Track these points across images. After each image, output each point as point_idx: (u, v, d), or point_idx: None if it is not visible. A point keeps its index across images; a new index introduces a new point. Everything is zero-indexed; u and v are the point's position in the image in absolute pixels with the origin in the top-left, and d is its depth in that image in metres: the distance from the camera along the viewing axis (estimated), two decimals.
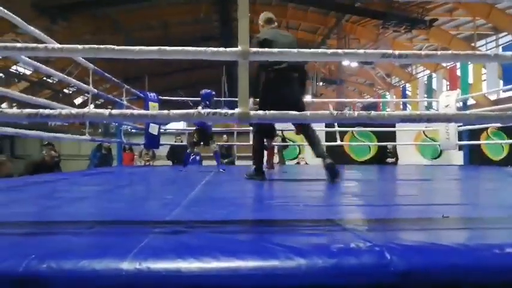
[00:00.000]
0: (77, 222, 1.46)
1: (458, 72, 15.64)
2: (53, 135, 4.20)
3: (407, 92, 20.78)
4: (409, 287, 0.93)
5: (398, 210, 1.83)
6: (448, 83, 16.93)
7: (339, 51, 1.64)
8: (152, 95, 6.38)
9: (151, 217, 1.57)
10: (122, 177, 4.19)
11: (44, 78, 21.69)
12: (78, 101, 25.63)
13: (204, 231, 1.27)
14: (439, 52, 1.60)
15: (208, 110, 1.60)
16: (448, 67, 17.44)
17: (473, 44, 16.53)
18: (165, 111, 1.56)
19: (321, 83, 22.71)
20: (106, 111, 1.58)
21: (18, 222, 1.47)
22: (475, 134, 6.96)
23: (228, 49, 1.66)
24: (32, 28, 3.21)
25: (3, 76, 19.99)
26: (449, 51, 1.66)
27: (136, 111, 1.56)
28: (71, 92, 25.19)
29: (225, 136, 8.38)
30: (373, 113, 1.59)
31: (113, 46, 1.57)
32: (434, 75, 18.61)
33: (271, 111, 1.63)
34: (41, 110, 1.59)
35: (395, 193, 2.77)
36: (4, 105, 19.26)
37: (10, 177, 4.67)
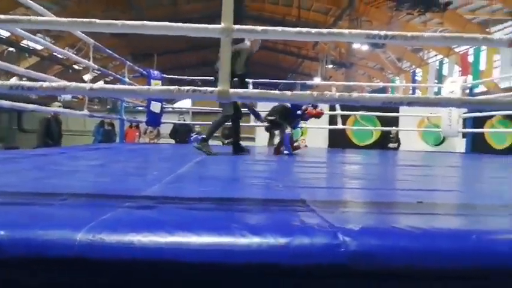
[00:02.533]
0: (53, 194, 1.49)
1: (471, 59, 15.30)
2: (53, 109, 4.23)
3: (417, 78, 20.43)
4: (360, 268, 0.93)
5: (377, 194, 1.82)
6: (459, 69, 16.59)
7: (323, 31, 1.61)
8: (155, 72, 6.37)
9: (128, 192, 1.59)
10: (119, 153, 4.23)
11: (55, 53, 21.73)
12: (87, 77, 25.70)
13: (171, 207, 1.29)
14: (425, 34, 1.56)
15: (189, 88, 1.60)
16: (460, 52, 17.06)
17: (488, 30, 16.10)
18: (145, 87, 1.56)
19: (330, 66, 22.41)
20: (87, 85, 1.59)
21: None
22: (479, 122, 6.85)
23: (210, 26, 1.64)
24: (32, 2, 3.21)
25: (15, 51, 20.05)
26: (438, 34, 1.62)
27: (117, 86, 1.56)
28: (80, 68, 25.25)
29: None
30: (354, 94, 1.57)
31: (93, 20, 1.56)
32: (445, 60, 18.23)
33: (252, 90, 1.61)
34: (22, 82, 1.61)
35: (384, 178, 2.76)
36: (14, 79, 19.41)
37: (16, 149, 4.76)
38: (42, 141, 5.64)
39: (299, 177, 2.40)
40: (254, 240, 0.96)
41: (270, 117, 4.32)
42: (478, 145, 6.67)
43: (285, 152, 4.16)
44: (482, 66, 14.47)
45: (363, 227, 1.01)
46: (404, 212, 1.34)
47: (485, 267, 0.91)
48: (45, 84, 1.62)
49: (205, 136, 4.02)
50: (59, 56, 22.51)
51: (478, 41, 1.67)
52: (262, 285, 0.93)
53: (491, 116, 6.89)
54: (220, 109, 4.73)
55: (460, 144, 6.95)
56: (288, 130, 4.24)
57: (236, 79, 3.52)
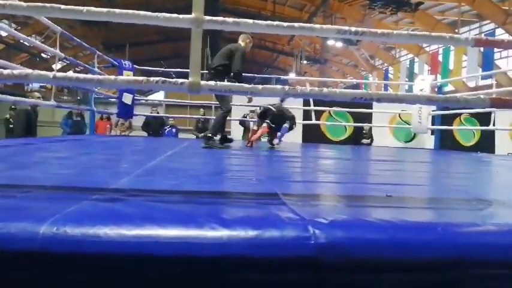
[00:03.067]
0: (15, 186, 1.43)
1: (441, 58, 15.76)
2: (18, 99, 4.06)
3: (389, 75, 20.88)
4: (329, 261, 0.94)
5: (348, 188, 1.84)
6: (429, 68, 17.06)
7: (295, 24, 1.60)
8: (127, 63, 6.23)
9: (96, 184, 1.54)
10: (88, 145, 4.12)
11: (21, 41, 20.89)
12: (55, 66, 24.84)
13: (140, 200, 1.26)
14: (394, 31, 1.59)
15: (158, 78, 1.56)
16: (430, 52, 17.53)
17: (457, 30, 16.60)
18: (112, 77, 1.51)
19: (305, 62, 22.57)
20: (50, 74, 1.52)
21: None
22: (448, 119, 7.07)
23: (181, 16, 1.60)
24: None
25: None
26: (406, 32, 1.64)
27: (82, 75, 1.51)
28: (49, 57, 24.38)
29: (202, 110, 8.29)
30: (325, 89, 1.57)
31: (56, 5, 1.49)
32: (416, 59, 18.70)
33: (223, 83, 1.60)
34: None
35: (356, 172, 2.80)
36: None
37: None
38: (21, 133, 5.45)
39: (272, 171, 2.40)
40: (224, 233, 0.94)
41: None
42: (446, 142, 6.89)
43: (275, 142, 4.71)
44: (451, 65, 14.92)
45: (332, 220, 1.02)
46: (373, 205, 1.36)
47: (451, 258, 0.94)
48: (5, 71, 1.55)
49: (210, 134, 4.20)
50: (26, 43, 21.69)
51: (445, 39, 1.71)
52: (232, 278, 0.91)
53: (459, 114, 7.13)
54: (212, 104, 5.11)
55: (429, 141, 7.15)
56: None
57: (232, 76, 4.02)
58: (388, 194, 1.51)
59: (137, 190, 1.43)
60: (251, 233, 0.95)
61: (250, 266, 0.91)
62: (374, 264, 0.94)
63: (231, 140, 4.70)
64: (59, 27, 4.04)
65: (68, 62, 3.79)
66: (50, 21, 3.85)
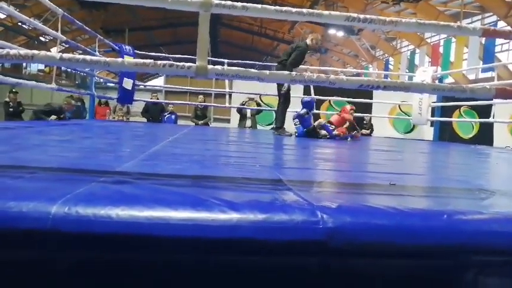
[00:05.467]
0: (21, 167, 1.43)
1: (442, 50, 15.71)
2: (17, 81, 4.04)
3: (390, 66, 20.82)
4: (337, 245, 0.95)
5: (351, 176, 1.86)
6: (430, 60, 17.01)
7: (303, 10, 1.60)
8: (128, 48, 6.19)
9: (103, 167, 1.55)
10: (89, 129, 4.11)
11: (19, 23, 20.66)
12: (54, 50, 24.64)
13: (147, 182, 1.27)
14: (403, 19, 1.58)
15: (165, 62, 1.56)
16: (431, 43, 17.46)
17: (459, 22, 16.51)
18: (119, 59, 1.51)
19: None
20: (57, 55, 1.52)
21: None
22: (447, 111, 7.08)
23: None
24: None
25: None
26: (414, 20, 1.64)
27: (88, 57, 1.50)
28: (47, 40, 24.15)
29: (201, 96, 8.26)
30: (332, 76, 1.58)
31: None
32: (417, 50, 18.63)
33: (230, 68, 1.60)
34: None
35: (358, 161, 2.82)
36: None
37: None
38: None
39: (276, 159, 2.41)
40: (233, 215, 0.95)
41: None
42: (445, 134, 6.91)
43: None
44: (452, 57, 14.88)
45: (340, 205, 1.03)
46: (378, 193, 1.38)
47: (456, 245, 0.96)
48: (12, 51, 1.54)
49: (279, 125, 5.13)
50: (24, 26, 21.44)
51: (453, 29, 1.71)
52: (242, 260, 0.93)
53: (459, 106, 7.13)
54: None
55: (428, 133, 7.17)
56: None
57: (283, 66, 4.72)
58: (391, 182, 1.53)
59: (144, 174, 1.44)
60: (260, 216, 0.96)
61: (260, 249, 0.93)
62: (381, 249, 0.96)
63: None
64: (60, 10, 4.00)
65: (68, 45, 3.76)
66: (52, 3, 3.81)
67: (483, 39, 12.98)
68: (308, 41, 5.04)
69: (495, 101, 4.76)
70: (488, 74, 14.38)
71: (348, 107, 5.41)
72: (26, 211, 0.91)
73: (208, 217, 0.95)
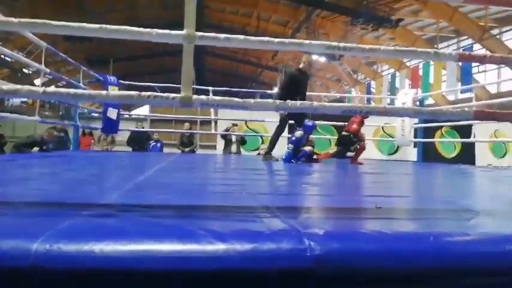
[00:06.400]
0: (1, 203, 1.40)
1: (421, 72, 16.16)
2: (2, 114, 3.99)
3: (371, 89, 21.27)
4: (325, 272, 0.95)
5: (338, 200, 1.86)
6: (410, 82, 17.46)
7: (285, 40, 1.65)
8: (112, 78, 6.21)
9: (86, 200, 1.52)
10: (73, 161, 4.05)
11: (2, 56, 20.60)
12: (38, 82, 24.54)
13: (132, 215, 1.25)
14: (381, 47, 1.64)
15: (150, 93, 1.57)
16: (411, 67, 17.96)
17: (436, 46, 17.10)
18: (103, 92, 1.51)
19: None
20: (40, 89, 1.51)
21: None
22: (430, 132, 7.23)
23: (173, 32, 1.63)
24: None
25: None
26: (392, 47, 1.69)
27: (73, 90, 1.50)
28: (30, 72, 24.07)
29: (187, 124, 8.27)
30: (315, 103, 1.61)
31: (48, 21, 1.50)
32: (398, 74, 19.13)
33: (214, 97, 1.61)
34: None
35: (344, 185, 2.83)
36: None
37: None
38: None
39: (261, 185, 2.41)
40: (220, 246, 0.94)
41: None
42: (429, 154, 7.03)
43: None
44: (431, 80, 15.31)
45: (327, 231, 1.03)
46: (365, 217, 1.38)
47: (443, 267, 0.96)
48: None
49: (267, 150, 5.27)
50: (7, 58, 21.37)
51: (430, 55, 1.76)
52: None
53: (440, 127, 7.29)
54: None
55: (412, 154, 7.28)
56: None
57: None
58: (378, 205, 1.53)
59: (129, 205, 1.42)
60: (247, 246, 0.95)
61: (248, 279, 0.92)
62: (369, 275, 0.96)
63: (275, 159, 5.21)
64: (43, 42, 4.01)
65: (51, 77, 3.76)
66: (34, 37, 3.82)
67: (460, 62, 13.43)
68: (301, 65, 5.12)
69: (475, 121, 4.89)
70: (467, 95, 14.82)
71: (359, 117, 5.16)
72: (6, 249, 0.89)
73: (196, 249, 0.93)
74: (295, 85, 4.98)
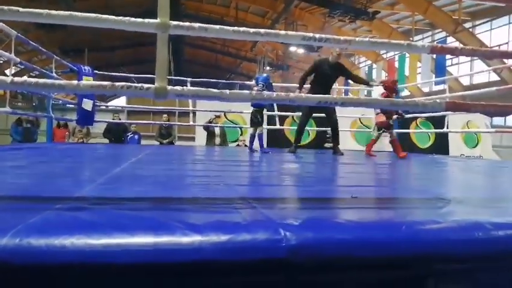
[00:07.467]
0: None
1: (397, 64, 16.43)
2: None
3: (349, 81, 21.50)
4: (300, 261, 0.96)
5: (314, 190, 1.88)
6: (386, 74, 17.73)
7: (261, 30, 1.63)
8: (87, 68, 6.05)
9: (59, 193, 1.49)
10: (47, 153, 3.95)
11: None
12: (9, 72, 23.66)
13: (106, 208, 1.22)
14: (356, 38, 1.65)
15: (123, 84, 1.53)
16: (387, 59, 18.22)
17: (411, 38, 17.38)
18: (74, 82, 1.47)
19: (268, 68, 22.81)
20: (8, 79, 1.46)
21: None
22: (405, 123, 7.38)
23: (146, 20, 1.59)
24: None
25: None
26: (367, 39, 1.71)
27: (42, 80, 1.45)
28: (1, 62, 23.20)
29: (165, 115, 8.16)
30: (291, 94, 1.61)
31: (16, 8, 1.44)
32: (374, 65, 19.39)
33: (190, 88, 1.59)
34: None
35: (321, 175, 2.86)
36: None
37: None
38: None
39: (239, 176, 2.40)
40: (196, 238, 0.94)
41: None
42: (404, 145, 7.16)
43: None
44: (407, 72, 15.58)
45: (302, 222, 1.04)
46: (340, 207, 1.40)
47: (415, 255, 0.98)
48: None
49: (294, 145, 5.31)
50: None
51: (403, 47, 1.79)
52: (206, 283, 0.91)
53: (415, 118, 7.44)
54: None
55: (388, 144, 7.40)
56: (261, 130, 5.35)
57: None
58: (353, 195, 1.56)
59: (102, 198, 1.39)
60: (223, 237, 0.95)
61: (223, 270, 0.91)
62: (343, 263, 0.97)
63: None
64: (14, 31, 3.87)
65: (23, 66, 3.63)
66: (4, 25, 3.67)
67: (434, 55, 13.71)
68: (330, 57, 5.25)
69: (448, 112, 5.01)
70: (441, 87, 15.17)
71: (378, 110, 5.30)
72: None
73: (170, 241, 0.92)
74: (313, 74, 5.22)
